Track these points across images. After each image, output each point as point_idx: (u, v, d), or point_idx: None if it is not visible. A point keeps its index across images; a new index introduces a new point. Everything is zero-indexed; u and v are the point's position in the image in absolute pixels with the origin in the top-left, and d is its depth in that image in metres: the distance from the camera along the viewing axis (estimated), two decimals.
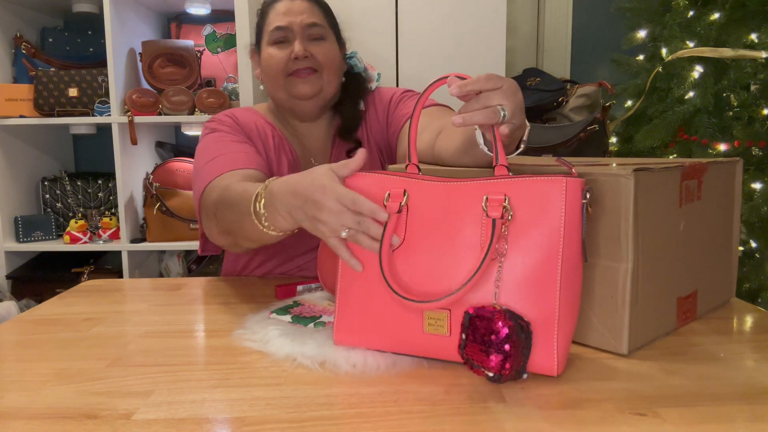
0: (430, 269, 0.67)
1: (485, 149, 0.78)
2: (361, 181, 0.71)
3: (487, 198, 0.64)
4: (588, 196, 0.63)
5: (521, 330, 0.60)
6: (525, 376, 0.62)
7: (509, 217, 0.63)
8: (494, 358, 0.59)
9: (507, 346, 0.59)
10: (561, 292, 0.62)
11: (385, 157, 1.19)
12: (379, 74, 1.25)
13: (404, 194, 0.69)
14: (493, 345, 0.59)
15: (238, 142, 1.06)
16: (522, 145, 0.78)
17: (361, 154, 0.69)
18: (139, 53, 2.17)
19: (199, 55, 2.21)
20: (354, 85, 1.19)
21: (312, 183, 0.68)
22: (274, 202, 0.74)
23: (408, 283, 0.67)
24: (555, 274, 0.62)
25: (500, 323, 0.59)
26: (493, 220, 0.63)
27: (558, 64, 2.48)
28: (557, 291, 0.62)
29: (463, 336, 0.62)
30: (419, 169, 0.74)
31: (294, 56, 1.07)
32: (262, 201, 0.77)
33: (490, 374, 0.60)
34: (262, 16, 1.13)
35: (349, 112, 1.17)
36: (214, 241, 0.99)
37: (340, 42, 1.16)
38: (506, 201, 0.63)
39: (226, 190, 0.90)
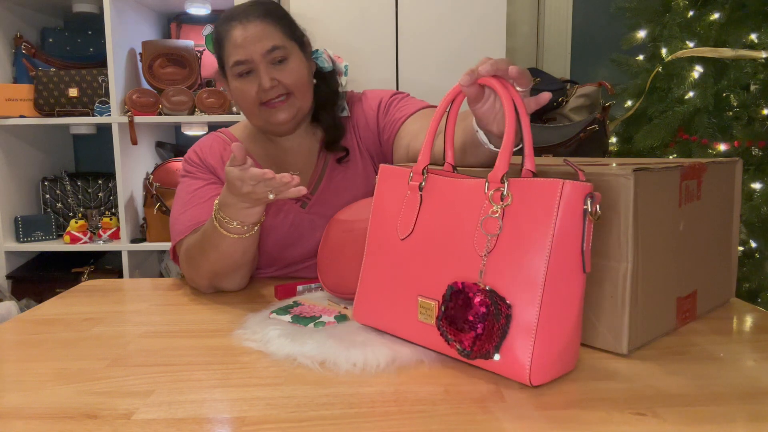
0: (431, 260, 0.68)
1: (491, 147, 0.79)
2: (389, 173, 0.77)
3: (487, 183, 0.64)
4: (589, 202, 0.59)
5: (499, 312, 0.60)
6: (497, 357, 0.61)
7: (509, 201, 0.62)
8: (467, 335, 0.60)
9: (480, 326, 0.60)
10: (545, 300, 0.59)
11: (376, 163, 1.17)
12: (346, 66, 1.19)
13: (420, 188, 0.72)
14: (467, 322, 0.60)
15: (202, 188, 1.10)
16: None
17: (237, 148, 0.85)
18: (139, 53, 2.18)
19: (199, 55, 2.21)
20: (325, 87, 1.16)
21: (230, 183, 0.87)
22: (227, 205, 0.92)
23: (411, 270, 0.70)
24: (538, 280, 0.59)
25: (478, 301, 0.60)
26: (490, 194, 0.63)
27: (558, 64, 2.49)
28: (539, 298, 0.59)
29: (442, 308, 0.63)
30: (454, 168, 0.74)
31: (262, 89, 1.04)
32: (220, 213, 0.93)
33: (459, 348, 0.61)
34: (218, 44, 1.09)
35: (330, 122, 1.15)
36: (199, 289, 1.05)
37: (304, 47, 1.12)
38: (505, 187, 0.63)
39: (188, 249, 1.02)
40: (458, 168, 0.76)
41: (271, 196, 0.85)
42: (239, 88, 1.07)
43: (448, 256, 0.67)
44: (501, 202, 0.63)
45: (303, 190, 0.83)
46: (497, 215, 0.63)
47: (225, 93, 1.17)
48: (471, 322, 0.60)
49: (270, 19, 1.06)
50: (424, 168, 0.72)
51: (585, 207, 0.60)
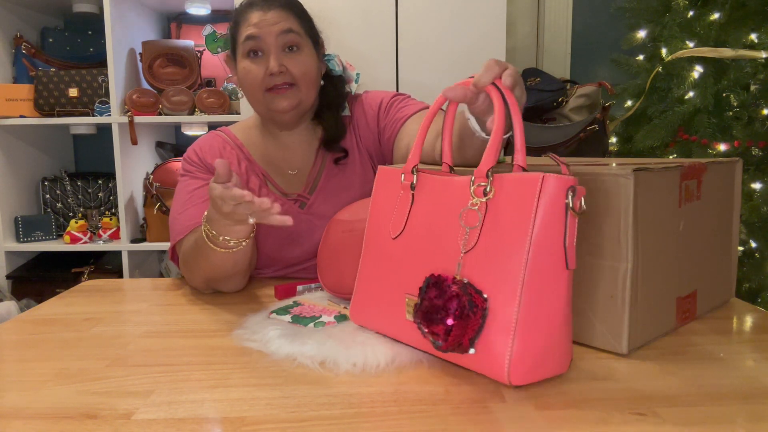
0: (418, 258, 0.68)
1: (483, 135, 0.79)
2: (386, 174, 0.77)
3: (474, 178, 0.64)
4: (571, 196, 0.58)
5: (474, 305, 0.59)
6: (472, 351, 0.61)
7: (490, 195, 0.61)
8: (440, 327, 0.60)
9: (452, 318, 0.59)
10: (525, 296, 0.58)
11: (376, 163, 1.17)
12: (358, 74, 1.21)
13: (412, 187, 0.72)
14: (440, 314, 0.60)
15: (202, 188, 1.10)
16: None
17: (220, 164, 0.83)
18: (139, 53, 2.18)
19: (199, 55, 2.21)
20: (332, 90, 1.17)
21: (213, 201, 0.86)
22: (215, 221, 0.89)
23: (401, 269, 0.70)
24: (518, 275, 0.58)
25: (451, 293, 0.60)
26: (472, 189, 0.63)
27: (558, 64, 2.49)
28: (518, 293, 0.58)
29: (418, 300, 0.63)
30: (452, 169, 0.74)
31: (269, 72, 1.04)
32: (207, 226, 0.92)
33: (432, 340, 0.62)
34: (235, 24, 1.10)
35: (332, 121, 1.15)
36: (197, 289, 1.05)
37: (317, 45, 1.13)
38: (489, 184, 0.62)
39: (184, 252, 1.02)
40: (456, 168, 0.76)
41: (251, 220, 0.83)
42: (246, 68, 1.07)
43: (434, 253, 0.67)
44: (483, 197, 0.62)
45: (288, 221, 0.80)
46: (476, 207, 0.62)
47: (232, 80, 1.17)
48: (444, 314, 0.60)
49: (290, 10, 1.08)
50: (414, 167, 0.72)
51: (566, 201, 0.58)
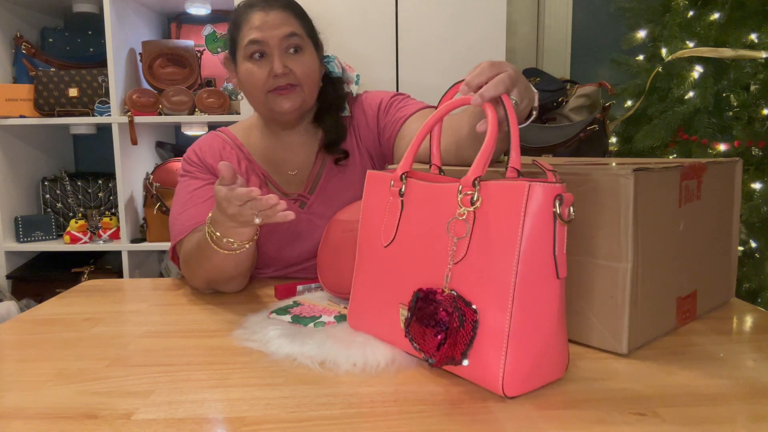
0: (410, 267, 0.68)
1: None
2: (375, 179, 0.76)
3: (461, 187, 0.63)
4: (558, 204, 0.57)
5: (464, 318, 0.59)
6: (465, 363, 0.60)
7: (477, 204, 0.60)
8: (431, 342, 0.60)
9: (442, 333, 0.59)
10: (516, 306, 0.57)
11: (376, 163, 1.17)
12: (358, 76, 1.21)
13: (400, 193, 0.71)
14: (431, 328, 0.60)
15: (202, 188, 1.10)
16: (534, 113, 0.78)
17: (224, 167, 0.83)
18: (139, 53, 2.18)
19: (199, 55, 2.21)
20: (332, 91, 1.17)
21: (218, 203, 0.86)
22: (219, 223, 0.90)
23: (394, 277, 0.70)
24: (507, 285, 0.57)
25: (441, 307, 0.60)
26: (459, 198, 0.62)
27: (558, 64, 2.49)
28: (509, 304, 0.57)
29: (409, 315, 0.63)
30: (441, 170, 0.74)
31: (273, 74, 1.04)
32: (211, 228, 0.92)
33: (424, 355, 0.62)
34: (235, 26, 1.09)
35: (332, 124, 1.15)
36: (198, 289, 1.06)
37: (318, 47, 1.13)
38: (476, 193, 0.61)
39: (185, 253, 1.03)
40: (447, 168, 0.75)
41: (257, 220, 0.83)
42: (249, 71, 1.07)
43: (424, 263, 0.66)
44: (470, 206, 0.61)
45: (291, 215, 0.81)
46: (463, 218, 0.61)
47: (231, 81, 1.16)
48: (434, 328, 0.60)
49: (291, 11, 1.09)
50: (403, 174, 0.71)
51: (554, 209, 0.57)
